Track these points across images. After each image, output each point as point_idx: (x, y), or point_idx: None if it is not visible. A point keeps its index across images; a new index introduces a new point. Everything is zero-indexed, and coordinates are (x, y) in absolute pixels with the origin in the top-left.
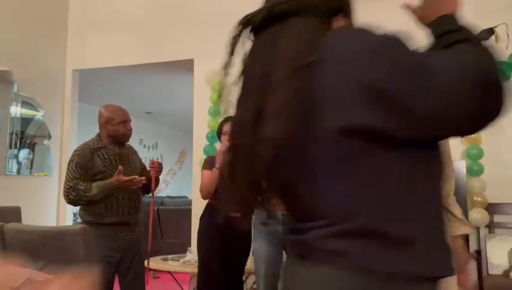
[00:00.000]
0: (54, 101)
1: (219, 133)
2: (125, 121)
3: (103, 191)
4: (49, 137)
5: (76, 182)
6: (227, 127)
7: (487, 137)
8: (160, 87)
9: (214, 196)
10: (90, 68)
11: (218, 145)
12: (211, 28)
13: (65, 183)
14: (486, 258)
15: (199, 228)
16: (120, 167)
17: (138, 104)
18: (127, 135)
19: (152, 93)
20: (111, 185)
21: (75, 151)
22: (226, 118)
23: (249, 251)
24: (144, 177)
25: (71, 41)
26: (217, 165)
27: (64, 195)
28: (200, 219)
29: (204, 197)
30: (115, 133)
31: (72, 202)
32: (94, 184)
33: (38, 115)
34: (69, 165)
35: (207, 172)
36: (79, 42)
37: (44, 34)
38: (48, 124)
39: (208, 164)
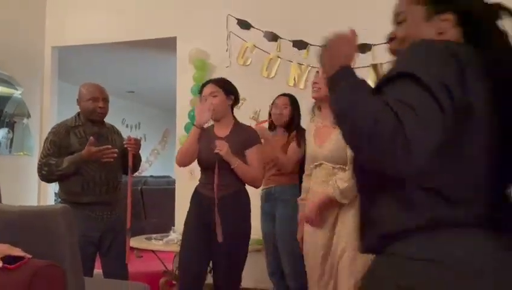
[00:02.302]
0: (33, 79)
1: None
2: (95, 98)
3: (74, 163)
4: (29, 116)
5: (49, 158)
6: (206, 91)
7: None
8: (142, 66)
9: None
10: (70, 45)
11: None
12: (194, 5)
13: (38, 160)
14: None
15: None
16: (91, 138)
17: (120, 82)
18: (97, 113)
19: (134, 71)
20: (81, 156)
21: (51, 129)
22: (207, 81)
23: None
24: (116, 150)
25: (50, 18)
26: (196, 123)
27: (37, 171)
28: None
29: (178, 163)
30: (85, 110)
31: (44, 177)
32: (65, 158)
33: (17, 93)
34: (44, 142)
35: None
36: (58, 19)
37: (22, 9)
38: (27, 102)
39: None
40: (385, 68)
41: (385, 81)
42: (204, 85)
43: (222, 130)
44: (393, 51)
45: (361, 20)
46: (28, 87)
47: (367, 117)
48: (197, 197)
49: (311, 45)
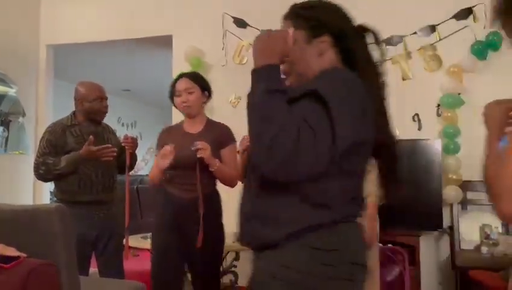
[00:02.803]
0: (27, 78)
1: (172, 93)
2: (101, 97)
3: (72, 163)
4: (24, 114)
5: (46, 157)
6: (180, 86)
7: (464, 116)
8: (138, 64)
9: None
10: (65, 43)
11: None
12: (190, 3)
13: (35, 159)
14: (459, 233)
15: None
16: (91, 137)
17: (115, 81)
18: (103, 112)
19: (130, 70)
20: (79, 156)
21: (47, 128)
22: (180, 74)
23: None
24: (115, 149)
25: (45, 16)
26: (158, 166)
27: (34, 171)
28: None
29: (150, 183)
30: (91, 110)
31: (41, 176)
32: (63, 157)
33: (12, 91)
34: (40, 141)
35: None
36: (53, 17)
37: (16, 8)
38: (22, 101)
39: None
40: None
41: (298, 96)
42: (177, 79)
43: (194, 127)
44: (285, 72)
45: (358, 19)
46: (22, 86)
47: (273, 124)
48: (170, 199)
49: None
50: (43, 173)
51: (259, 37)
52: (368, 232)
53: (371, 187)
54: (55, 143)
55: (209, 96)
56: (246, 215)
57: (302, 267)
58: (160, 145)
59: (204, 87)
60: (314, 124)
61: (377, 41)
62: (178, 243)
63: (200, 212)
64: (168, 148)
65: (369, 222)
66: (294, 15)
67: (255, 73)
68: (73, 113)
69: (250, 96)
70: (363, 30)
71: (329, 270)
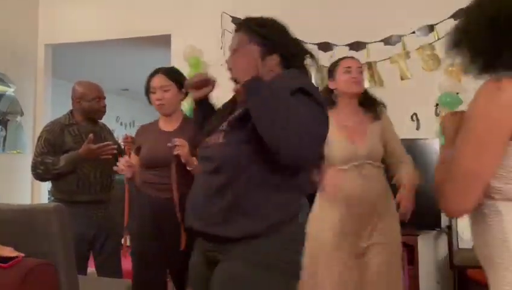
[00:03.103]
0: (26, 77)
1: (147, 89)
2: (100, 97)
3: (71, 163)
4: (22, 114)
5: (45, 157)
6: (155, 82)
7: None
8: (136, 63)
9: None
10: (63, 43)
11: None
12: (188, 2)
13: (33, 159)
14: (457, 232)
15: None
16: (90, 135)
17: (114, 80)
18: (101, 112)
19: (128, 69)
20: (78, 155)
21: (45, 127)
22: (156, 70)
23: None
24: (115, 146)
25: (43, 15)
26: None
27: (31, 170)
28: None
29: None
30: (89, 110)
31: (39, 176)
32: (62, 157)
33: (10, 91)
34: (38, 141)
35: None
36: (51, 16)
37: (15, 7)
38: (20, 100)
39: None
40: (379, 66)
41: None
42: (152, 75)
43: (170, 125)
44: (233, 79)
45: (355, 18)
46: (21, 85)
47: (295, 117)
48: (146, 201)
49: (305, 43)
50: (41, 172)
51: (235, 59)
52: (401, 212)
53: (408, 169)
54: (53, 142)
55: (187, 93)
56: (218, 206)
57: (282, 256)
58: (136, 144)
59: (182, 84)
60: (315, 115)
61: (317, 64)
62: (159, 249)
63: (178, 213)
64: (123, 160)
65: (404, 201)
66: (249, 30)
67: (251, 85)
68: (71, 112)
69: (260, 102)
70: (305, 53)
71: (301, 259)
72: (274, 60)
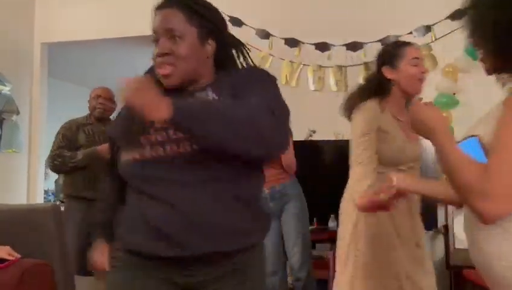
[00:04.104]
0: (22, 76)
1: None
2: (98, 95)
3: (88, 157)
4: (18, 113)
5: (62, 150)
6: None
7: (458, 115)
8: (135, 63)
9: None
10: (60, 41)
11: None
12: None
13: (50, 152)
14: (453, 233)
15: None
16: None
17: (113, 79)
18: (97, 109)
19: (127, 68)
20: (96, 151)
21: (63, 124)
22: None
23: None
24: None
25: (39, 14)
26: None
27: (49, 162)
28: None
29: None
30: (91, 109)
31: (56, 167)
32: (79, 151)
33: (6, 89)
34: (56, 136)
35: None
36: (48, 14)
37: (11, 5)
38: (16, 99)
39: None
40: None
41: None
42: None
43: None
44: (171, 64)
45: (353, 19)
46: (17, 84)
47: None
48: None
49: (303, 43)
50: (58, 164)
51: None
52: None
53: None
54: (70, 138)
55: None
56: (217, 219)
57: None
58: None
59: None
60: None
61: (249, 58)
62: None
63: None
64: None
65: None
66: (188, 8)
67: (183, 117)
68: (89, 114)
69: (214, 124)
70: (240, 43)
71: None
72: (210, 44)
